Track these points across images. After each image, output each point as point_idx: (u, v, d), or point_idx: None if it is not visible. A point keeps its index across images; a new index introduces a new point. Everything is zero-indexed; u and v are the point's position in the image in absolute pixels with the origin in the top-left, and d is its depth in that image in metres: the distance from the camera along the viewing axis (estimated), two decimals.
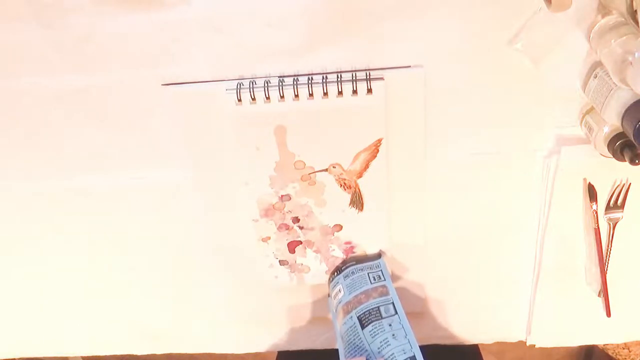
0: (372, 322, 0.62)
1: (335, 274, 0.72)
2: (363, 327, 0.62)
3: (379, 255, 0.72)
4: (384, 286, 0.66)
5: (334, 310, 0.68)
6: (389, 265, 0.74)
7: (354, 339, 0.62)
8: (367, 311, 0.63)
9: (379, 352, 0.59)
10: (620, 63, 0.52)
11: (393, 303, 0.64)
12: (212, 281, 0.78)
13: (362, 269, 0.70)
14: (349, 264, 0.72)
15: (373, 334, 0.61)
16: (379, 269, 0.69)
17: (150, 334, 0.85)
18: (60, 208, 0.73)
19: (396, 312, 0.63)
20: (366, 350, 0.60)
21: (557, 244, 0.72)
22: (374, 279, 0.68)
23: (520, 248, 0.74)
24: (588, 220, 0.70)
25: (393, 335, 0.60)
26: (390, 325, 0.61)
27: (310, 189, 0.67)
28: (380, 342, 0.60)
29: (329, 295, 0.71)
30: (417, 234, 0.72)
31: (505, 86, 0.62)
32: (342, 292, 0.69)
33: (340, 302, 0.68)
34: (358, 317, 0.63)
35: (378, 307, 0.63)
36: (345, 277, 0.70)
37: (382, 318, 0.62)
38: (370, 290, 0.66)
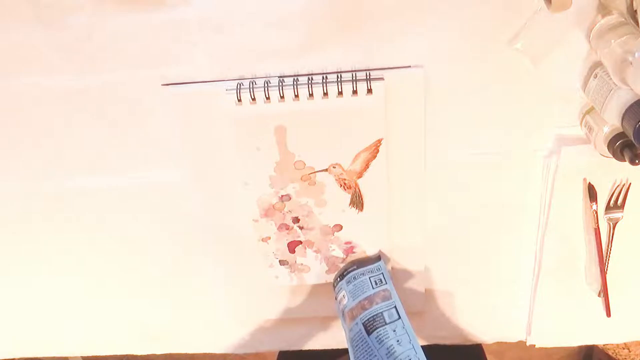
0: (376, 328, 0.62)
1: (338, 279, 0.72)
2: (369, 333, 0.63)
3: (378, 258, 0.72)
4: (386, 290, 0.67)
5: (341, 315, 0.69)
6: (389, 266, 0.74)
7: (362, 345, 0.62)
8: (371, 317, 0.64)
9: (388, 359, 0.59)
10: (620, 63, 0.52)
11: (396, 307, 0.64)
12: (212, 281, 0.78)
13: (363, 274, 0.70)
14: (350, 268, 0.72)
15: (379, 341, 0.62)
16: (380, 272, 0.69)
17: (150, 334, 0.85)
18: (60, 208, 0.73)
19: (399, 317, 0.63)
20: (375, 356, 0.60)
21: (557, 244, 0.72)
22: (376, 283, 0.68)
23: (520, 248, 0.74)
24: (588, 220, 0.70)
25: (398, 341, 0.61)
26: (394, 331, 0.62)
27: (311, 189, 0.67)
28: (387, 348, 0.60)
29: (335, 299, 0.72)
30: (417, 234, 0.72)
31: (505, 86, 0.62)
32: (346, 298, 0.69)
33: (345, 308, 0.68)
34: (363, 324, 0.64)
35: (382, 312, 0.64)
36: (347, 282, 0.70)
37: (386, 324, 0.63)
38: (373, 296, 0.66)
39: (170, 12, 0.59)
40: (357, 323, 0.65)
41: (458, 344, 0.83)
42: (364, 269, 0.70)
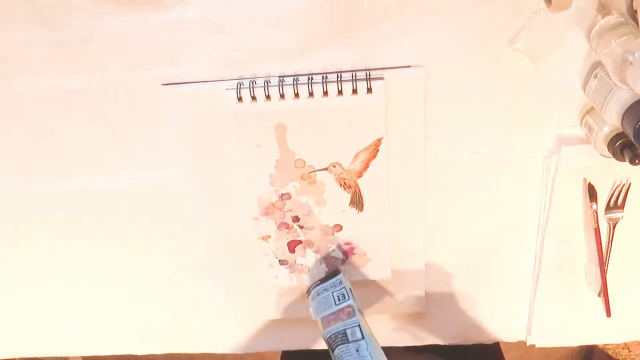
0: (338, 345, 0.62)
1: (306, 295, 0.72)
2: (332, 350, 0.62)
3: (337, 271, 0.72)
4: (350, 306, 0.66)
5: None
6: (387, 266, 0.74)
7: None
8: (333, 334, 0.63)
9: None
10: (620, 63, 0.52)
11: (359, 325, 0.64)
12: (212, 281, 0.78)
13: (326, 289, 0.69)
14: (314, 283, 0.71)
15: (340, 358, 0.61)
16: (342, 287, 0.69)
17: (150, 334, 0.85)
18: (60, 208, 0.73)
19: (363, 337, 0.62)
20: None
21: (557, 244, 0.72)
22: (339, 299, 0.67)
23: (520, 248, 0.74)
24: (588, 220, 0.70)
25: None
26: (357, 350, 0.61)
27: (311, 188, 0.67)
28: None
29: None
30: (417, 234, 0.72)
31: (505, 86, 0.62)
32: (313, 314, 0.69)
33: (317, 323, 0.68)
34: (327, 340, 0.64)
35: (344, 330, 0.63)
36: (312, 299, 0.70)
37: (348, 342, 0.62)
38: (338, 312, 0.66)
39: (170, 12, 0.59)
40: (323, 338, 0.65)
41: (458, 344, 0.83)
42: (326, 284, 0.70)
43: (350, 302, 0.67)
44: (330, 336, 0.63)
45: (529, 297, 0.78)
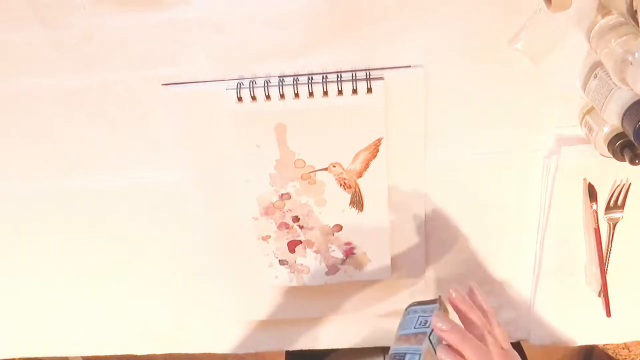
0: None
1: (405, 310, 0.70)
2: None
3: (437, 300, 0.68)
4: (424, 334, 0.63)
5: None
6: (387, 266, 0.74)
7: None
8: (394, 354, 0.62)
9: None
10: (620, 63, 0.52)
11: (420, 355, 0.61)
12: (212, 281, 0.78)
13: (416, 311, 0.67)
14: (413, 302, 0.69)
15: None
16: (429, 315, 0.65)
17: (150, 334, 0.85)
18: (60, 208, 0.73)
19: None
20: None
21: (557, 244, 0.72)
22: (420, 324, 0.64)
23: (520, 248, 0.74)
24: (588, 220, 0.70)
25: None
26: None
27: (311, 188, 0.67)
28: None
29: None
30: (416, 234, 0.72)
31: (505, 86, 0.62)
32: (397, 329, 0.67)
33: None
34: (389, 357, 0.62)
35: (405, 354, 0.61)
36: (404, 316, 0.68)
37: None
38: (411, 335, 0.64)
39: (170, 12, 0.59)
40: (389, 353, 0.64)
41: None
42: (420, 307, 0.67)
43: (427, 331, 0.63)
44: (392, 354, 0.62)
45: (529, 297, 0.78)
